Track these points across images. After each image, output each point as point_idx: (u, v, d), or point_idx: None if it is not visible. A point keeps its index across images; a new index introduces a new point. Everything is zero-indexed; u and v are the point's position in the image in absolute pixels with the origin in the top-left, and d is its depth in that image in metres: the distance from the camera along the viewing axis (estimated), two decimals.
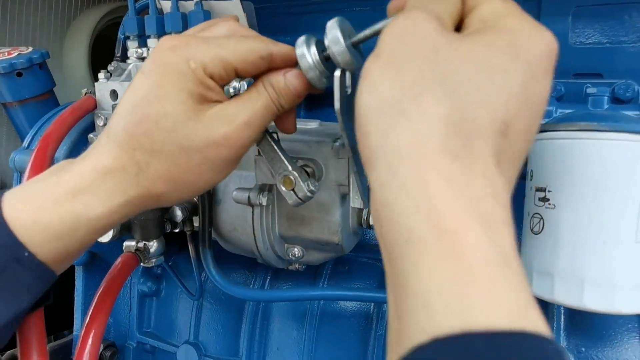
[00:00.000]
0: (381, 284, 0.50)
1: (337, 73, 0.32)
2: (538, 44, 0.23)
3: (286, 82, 0.32)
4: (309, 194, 0.37)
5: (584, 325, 0.43)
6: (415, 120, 0.22)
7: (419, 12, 0.24)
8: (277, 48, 0.32)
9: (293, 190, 0.37)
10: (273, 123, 0.38)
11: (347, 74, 0.32)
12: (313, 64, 0.32)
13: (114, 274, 0.41)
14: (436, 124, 0.22)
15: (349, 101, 0.33)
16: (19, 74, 0.54)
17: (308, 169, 0.41)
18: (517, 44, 0.23)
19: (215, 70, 0.30)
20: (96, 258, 0.58)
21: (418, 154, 0.22)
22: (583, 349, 0.43)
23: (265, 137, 0.37)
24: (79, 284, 0.59)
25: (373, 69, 0.24)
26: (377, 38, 0.28)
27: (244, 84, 0.46)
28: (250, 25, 0.49)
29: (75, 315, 0.59)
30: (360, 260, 0.52)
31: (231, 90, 0.47)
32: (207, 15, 0.48)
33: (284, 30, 0.55)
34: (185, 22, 0.49)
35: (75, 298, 0.59)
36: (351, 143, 0.34)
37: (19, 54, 0.55)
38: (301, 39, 0.32)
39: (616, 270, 0.34)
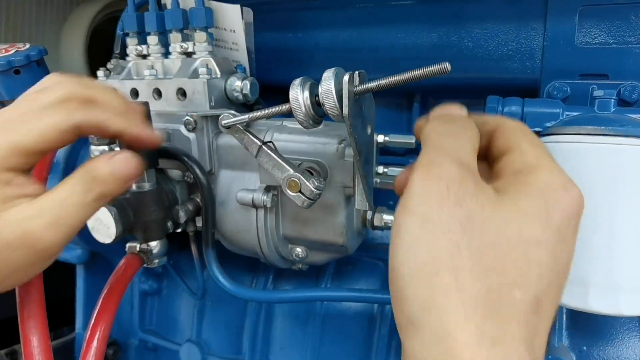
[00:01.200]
0: (384, 284, 0.50)
1: (346, 78, 0.32)
2: (569, 206, 0.23)
3: (113, 169, 0.29)
4: (316, 191, 0.37)
5: (586, 324, 0.43)
6: (454, 297, 0.22)
7: (451, 165, 0.23)
8: (85, 116, 0.28)
9: (300, 191, 0.37)
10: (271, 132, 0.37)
11: (355, 77, 0.32)
12: (305, 110, 0.33)
13: (117, 276, 0.41)
14: (474, 304, 0.21)
15: (355, 105, 0.33)
16: (17, 72, 0.53)
17: (311, 169, 0.41)
18: (549, 208, 0.23)
19: (14, 161, 0.27)
20: (97, 257, 0.58)
21: (458, 337, 0.21)
22: (584, 348, 0.44)
23: (261, 149, 0.37)
24: (80, 282, 0.58)
25: (407, 226, 0.23)
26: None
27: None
28: (247, 33, 0.48)
29: (76, 314, 0.59)
30: (364, 259, 0.52)
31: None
32: (209, 13, 0.47)
33: (285, 27, 0.55)
34: (186, 19, 0.48)
35: (76, 297, 0.59)
36: (358, 147, 0.34)
37: (16, 50, 0.53)
38: (297, 81, 0.33)
39: (621, 274, 0.34)
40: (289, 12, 0.54)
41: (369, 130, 0.37)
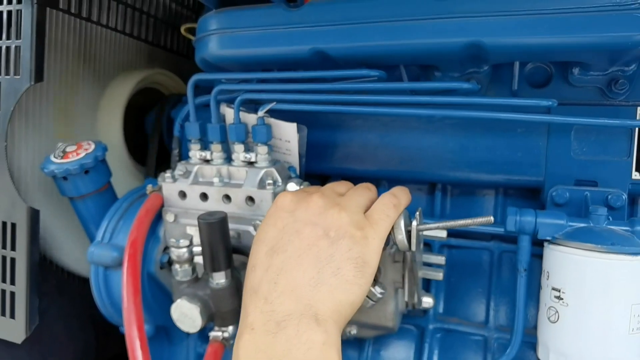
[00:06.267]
0: (417, 345, 0.60)
1: (415, 223, 0.41)
2: None
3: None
4: (379, 295, 0.46)
5: None
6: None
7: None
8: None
9: (367, 296, 0.46)
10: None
11: (418, 216, 0.42)
12: None
13: None
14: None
15: (418, 239, 0.43)
16: (86, 172, 0.59)
17: None
18: None
19: None
20: (160, 330, 0.65)
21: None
22: None
23: None
24: None
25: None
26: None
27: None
28: (300, 142, 0.56)
29: None
30: (400, 325, 0.61)
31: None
32: (269, 129, 0.54)
33: (328, 127, 0.63)
34: (247, 132, 0.56)
35: None
36: (415, 266, 0.44)
37: (85, 153, 0.59)
38: None
39: (615, 354, 0.45)
40: (330, 115, 0.62)
41: (421, 246, 0.47)
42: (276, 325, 0.34)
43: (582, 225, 0.48)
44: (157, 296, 0.60)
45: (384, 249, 0.45)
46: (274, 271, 0.38)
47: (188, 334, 0.68)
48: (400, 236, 0.41)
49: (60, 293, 0.71)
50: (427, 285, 0.62)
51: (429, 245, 0.62)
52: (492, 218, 0.40)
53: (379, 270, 0.50)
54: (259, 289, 0.37)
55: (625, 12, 0.40)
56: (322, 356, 0.33)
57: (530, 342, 0.56)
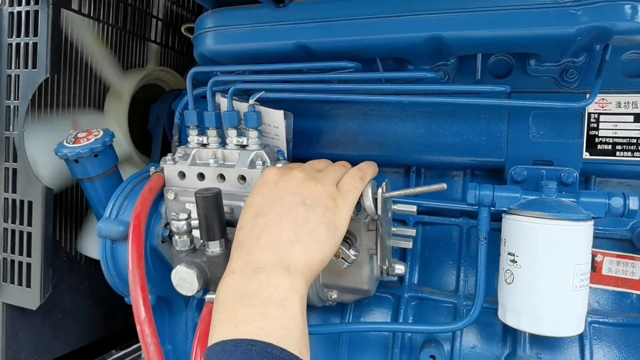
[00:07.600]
0: (394, 312, 0.66)
1: (380, 191, 0.47)
2: None
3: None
4: (353, 257, 0.52)
5: (542, 340, 0.61)
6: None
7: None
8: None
9: (342, 258, 0.53)
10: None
11: (384, 186, 0.48)
12: None
13: (205, 323, 0.55)
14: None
15: (384, 205, 0.49)
16: (96, 155, 0.66)
17: (347, 239, 0.56)
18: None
19: None
20: (160, 300, 0.71)
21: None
22: (541, 356, 0.61)
23: None
24: None
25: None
26: None
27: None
28: (288, 128, 0.63)
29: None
30: (377, 294, 0.67)
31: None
32: (259, 116, 0.61)
33: (312, 116, 0.69)
34: (239, 118, 0.62)
35: None
36: (383, 232, 0.50)
37: (94, 138, 0.66)
38: None
39: (561, 308, 0.51)
40: (315, 104, 0.69)
41: (389, 214, 0.53)
42: (253, 270, 0.41)
43: (534, 197, 0.54)
44: (158, 268, 0.67)
45: (357, 215, 0.51)
46: (257, 230, 0.44)
47: (186, 306, 0.74)
48: (368, 202, 0.47)
49: (70, 269, 0.77)
50: (404, 258, 0.68)
51: (404, 221, 0.68)
52: (445, 185, 0.46)
53: (354, 236, 0.56)
54: (243, 243, 0.44)
55: (561, 9, 0.47)
56: (286, 298, 0.39)
57: (495, 308, 0.62)
